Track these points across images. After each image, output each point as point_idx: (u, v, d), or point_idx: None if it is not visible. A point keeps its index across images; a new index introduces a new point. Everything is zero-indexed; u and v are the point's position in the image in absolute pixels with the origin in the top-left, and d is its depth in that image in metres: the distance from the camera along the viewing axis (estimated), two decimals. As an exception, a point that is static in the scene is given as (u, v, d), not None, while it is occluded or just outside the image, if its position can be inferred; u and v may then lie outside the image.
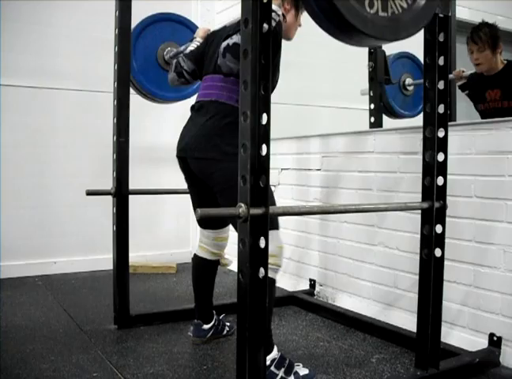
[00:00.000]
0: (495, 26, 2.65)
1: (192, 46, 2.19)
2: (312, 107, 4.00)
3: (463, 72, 2.83)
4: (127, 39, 2.35)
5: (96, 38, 3.48)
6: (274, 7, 1.73)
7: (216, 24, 4.03)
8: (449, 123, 1.76)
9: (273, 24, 1.72)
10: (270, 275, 1.72)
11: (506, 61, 2.67)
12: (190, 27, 2.73)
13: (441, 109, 1.72)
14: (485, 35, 2.61)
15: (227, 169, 1.83)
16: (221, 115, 1.89)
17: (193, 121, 2.01)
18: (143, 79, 2.62)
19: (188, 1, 4.00)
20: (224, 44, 1.90)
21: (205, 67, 2.05)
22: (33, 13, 3.41)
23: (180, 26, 2.71)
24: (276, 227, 1.84)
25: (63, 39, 3.51)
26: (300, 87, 3.78)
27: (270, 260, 1.69)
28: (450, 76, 1.78)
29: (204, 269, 2.21)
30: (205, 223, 2.15)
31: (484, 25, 2.65)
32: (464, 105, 3.04)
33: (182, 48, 2.42)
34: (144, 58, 2.60)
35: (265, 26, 1.26)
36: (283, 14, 1.88)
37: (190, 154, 1.96)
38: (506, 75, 2.65)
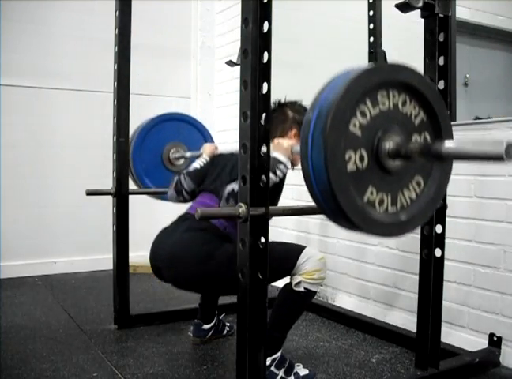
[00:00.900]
0: None
1: (197, 164, 2.11)
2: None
3: None
4: (127, 39, 2.35)
5: (96, 38, 3.47)
6: (284, 159, 1.76)
7: (216, 24, 4.04)
8: (449, 123, 1.76)
9: (281, 175, 1.75)
10: (313, 288, 1.75)
11: None
12: (195, 125, 2.74)
13: (441, 109, 1.72)
14: None
15: (212, 271, 1.76)
16: (205, 231, 1.83)
17: (174, 227, 1.93)
18: (148, 182, 2.61)
19: (188, 1, 4.00)
20: (228, 189, 1.79)
21: (205, 185, 2.01)
22: (33, 13, 3.41)
23: (185, 124, 2.71)
24: (302, 247, 1.81)
25: (63, 39, 3.51)
26: (300, 87, 3.78)
27: (315, 276, 1.74)
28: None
29: None
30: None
31: None
32: (464, 105, 3.04)
33: (188, 155, 2.42)
34: (149, 160, 2.60)
35: (266, 26, 1.26)
36: (292, 164, 1.85)
37: (163, 264, 1.87)
38: None
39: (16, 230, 3.40)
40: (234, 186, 1.78)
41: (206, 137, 2.72)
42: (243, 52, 1.28)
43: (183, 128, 2.70)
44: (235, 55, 2.10)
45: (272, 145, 1.74)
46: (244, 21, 1.28)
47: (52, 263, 3.51)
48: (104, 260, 3.16)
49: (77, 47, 3.53)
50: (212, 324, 2.24)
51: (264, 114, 1.28)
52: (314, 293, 1.78)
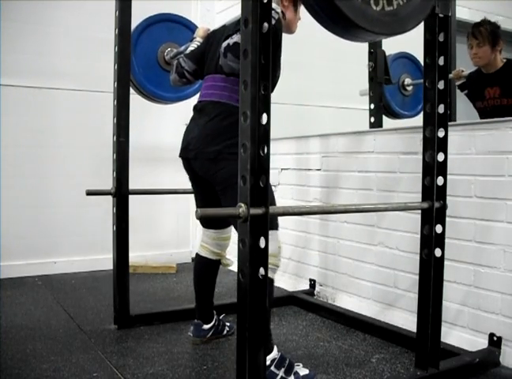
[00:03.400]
0: (496, 24, 2.70)
1: (192, 46, 2.20)
2: (312, 107, 3.99)
3: (462, 71, 2.86)
4: (127, 39, 2.35)
5: (96, 38, 3.48)
6: (273, 5, 1.74)
7: (216, 24, 4.04)
8: (449, 123, 1.76)
9: (273, 21, 1.73)
10: (269, 275, 1.73)
11: (505, 60, 2.70)
12: (187, 25, 2.75)
13: (441, 109, 1.72)
14: (486, 30, 2.66)
15: (227, 168, 1.86)
16: (223, 116, 1.91)
17: (196, 121, 2.02)
18: (144, 80, 2.63)
19: (188, 1, 4.00)
20: (224, 44, 1.91)
21: (207, 67, 2.05)
22: (33, 13, 3.41)
23: (177, 25, 2.72)
24: (275, 227, 1.86)
25: (63, 39, 3.51)
26: (300, 87, 3.79)
27: (270, 261, 1.71)
28: (450, 75, 1.80)
29: (205, 268, 2.22)
30: (207, 222, 2.16)
31: (486, 22, 2.70)
32: (464, 105, 3.04)
33: (182, 48, 2.43)
34: (144, 60, 2.62)
35: (265, 26, 1.26)
36: (282, 11, 1.88)
37: (192, 154, 1.98)
38: (506, 73, 2.68)
39: (16, 230, 3.40)
40: (229, 41, 1.88)
41: None
42: (243, 52, 1.28)
43: (175, 29, 2.69)
44: (234, 55, 2.10)
45: None
46: (244, 21, 1.28)
47: (52, 263, 3.51)
48: (104, 260, 3.16)
49: (77, 47, 3.53)
50: (212, 324, 2.23)
51: (264, 114, 1.28)
52: (272, 280, 1.81)
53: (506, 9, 3.95)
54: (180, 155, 2.07)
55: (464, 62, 2.98)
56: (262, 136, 1.28)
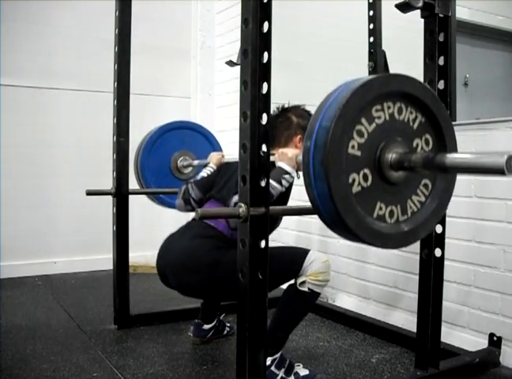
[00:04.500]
0: None
1: (204, 173, 2.13)
2: (312, 107, 3.99)
3: None
4: (127, 39, 2.35)
5: (96, 38, 3.48)
6: (289, 169, 1.76)
7: (216, 24, 4.04)
8: (450, 123, 1.76)
9: (287, 185, 1.75)
10: (317, 289, 1.78)
11: None
12: (200, 132, 2.75)
13: (441, 109, 1.72)
14: None
15: (215, 280, 1.79)
16: (213, 239, 1.86)
17: (182, 234, 1.97)
18: (156, 188, 2.62)
19: (188, 1, 4.00)
20: (235, 199, 1.80)
21: (212, 193, 2.01)
22: (33, 13, 3.41)
23: (190, 132, 2.72)
24: (307, 250, 1.83)
25: (63, 39, 3.51)
26: (300, 87, 3.78)
27: (319, 277, 1.77)
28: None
29: None
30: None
31: None
32: (464, 105, 3.04)
33: (195, 163, 2.43)
34: (157, 168, 2.62)
35: (266, 25, 1.27)
36: (297, 171, 1.82)
37: (170, 270, 1.88)
38: None
39: (16, 230, 3.40)
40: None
41: (212, 143, 2.73)
42: (243, 52, 1.28)
43: (189, 135, 2.70)
44: (235, 55, 2.09)
45: (276, 155, 1.78)
46: (244, 21, 1.28)
47: (52, 263, 3.51)
48: (104, 260, 3.16)
49: (77, 47, 3.53)
50: (212, 324, 2.23)
51: (264, 114, 1.28)
52: (318, 294, 1.80)
53: (506, 9, 3.95)
54: (158, 271, 1.95)
55: (465, 62, 2.98)
56: (262, 136, 1.28)
